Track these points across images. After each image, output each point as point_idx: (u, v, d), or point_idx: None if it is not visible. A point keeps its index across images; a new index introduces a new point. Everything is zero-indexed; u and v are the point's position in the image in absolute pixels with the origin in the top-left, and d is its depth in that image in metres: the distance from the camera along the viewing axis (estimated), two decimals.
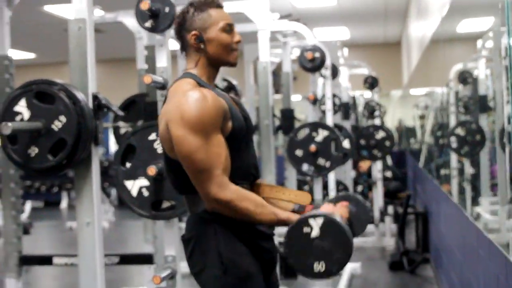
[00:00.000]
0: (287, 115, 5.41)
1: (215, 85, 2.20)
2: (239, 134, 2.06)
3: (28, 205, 9.76)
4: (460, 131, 5.30)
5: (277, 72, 9.36)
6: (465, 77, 5.72)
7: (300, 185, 6.77)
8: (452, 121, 6.16)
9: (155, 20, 2.84)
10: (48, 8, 8.86)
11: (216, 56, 2.12)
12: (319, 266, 1.89)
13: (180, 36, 2.14)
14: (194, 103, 1.95)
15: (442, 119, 8.54)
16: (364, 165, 8.81)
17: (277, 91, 9.01)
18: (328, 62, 5.32)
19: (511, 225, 3.36)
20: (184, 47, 2.15)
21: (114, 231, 9.30)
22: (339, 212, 2.05)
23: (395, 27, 12.14)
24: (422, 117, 11.86)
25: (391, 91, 14.32)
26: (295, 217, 1.97)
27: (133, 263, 4.21)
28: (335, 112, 6.58)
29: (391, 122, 13.89)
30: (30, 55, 13.47)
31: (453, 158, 5.77)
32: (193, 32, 2.09)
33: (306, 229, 1.90)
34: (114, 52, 12.75)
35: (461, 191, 4.98)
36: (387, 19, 11.25)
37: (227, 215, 1.99)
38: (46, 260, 3.80)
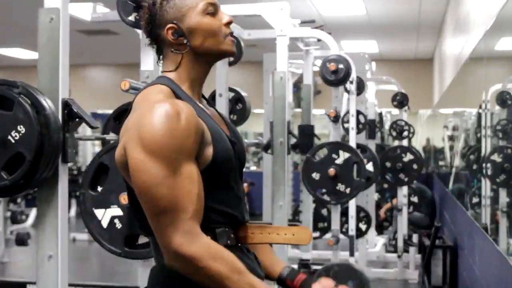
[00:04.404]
0: (306, 132, 4.85)
1: (203, 96, 1.69)
2: (222, 165, 1.53)
3: (33, 212, 9.28)
4: (496, 157, 4.82)
5: (298, 85, 8.86)
6: (504, 99, 5.22)
7: (318, 209, 6.23)
8: (484, 145, 5.70)
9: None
10: None
11: (206, 48, 1.60)
12: None
13: (153, 36, 1.63)
14: (161, 120, 1.42)
15: (473, 142, 8.02)
16: (384, 211, 8.09)
17: (299, 104, 8.49)
18: (353, 75, 4.79)
19: None
20: (161, 49, 1.64)
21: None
22: None
23: (428, 42, 11.57)
24: (451, 138, 11.26)
25: (419, 110, 13.74)
26: None
27: None
28: (359, 131, 6.02)
29: (418, 142, 13.29)
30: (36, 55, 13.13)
31: (487, 185, 5.32)
32: (169, 26, 1.58)
33: None
34: (130, 56, 12.34)
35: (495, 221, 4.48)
36: (420, 33, 10.69)
37: (186, 275, 1.45)
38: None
